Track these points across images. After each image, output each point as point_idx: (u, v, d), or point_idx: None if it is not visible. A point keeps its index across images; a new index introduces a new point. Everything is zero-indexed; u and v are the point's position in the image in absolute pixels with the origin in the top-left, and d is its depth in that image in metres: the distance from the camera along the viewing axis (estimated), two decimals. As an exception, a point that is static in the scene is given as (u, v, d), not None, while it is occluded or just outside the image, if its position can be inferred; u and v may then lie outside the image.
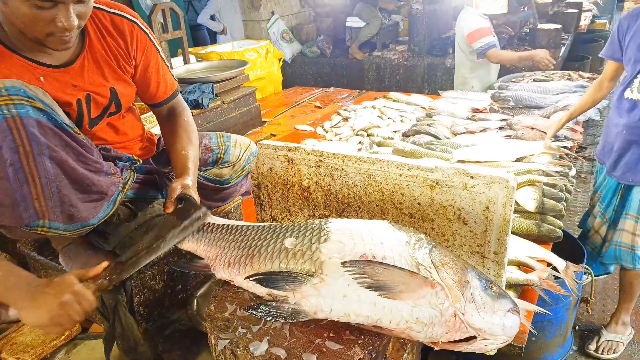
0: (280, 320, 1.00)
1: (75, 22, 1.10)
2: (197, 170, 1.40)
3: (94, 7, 1.24)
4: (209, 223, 1.25)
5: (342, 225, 1.07)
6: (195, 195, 1.28)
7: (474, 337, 0.90)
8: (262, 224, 1.24)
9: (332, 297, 0.95)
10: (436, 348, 0.96)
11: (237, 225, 1.22)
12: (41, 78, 1.20)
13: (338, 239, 1.02)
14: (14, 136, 1.05)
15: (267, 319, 1.02)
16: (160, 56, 1.47)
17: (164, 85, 1.49)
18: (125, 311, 1.33)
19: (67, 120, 1.16)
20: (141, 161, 1.45)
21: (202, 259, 1.20)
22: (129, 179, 1.33)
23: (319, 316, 0.98)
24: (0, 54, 1.14)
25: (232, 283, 1.13)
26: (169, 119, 1.53)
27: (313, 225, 1.09)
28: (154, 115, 1.60)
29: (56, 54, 1.23)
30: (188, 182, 1.30)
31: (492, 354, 1.07)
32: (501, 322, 0.90)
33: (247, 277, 1.06)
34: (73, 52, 1.27)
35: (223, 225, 1.23)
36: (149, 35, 1.42)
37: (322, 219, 1.12)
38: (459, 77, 4.01)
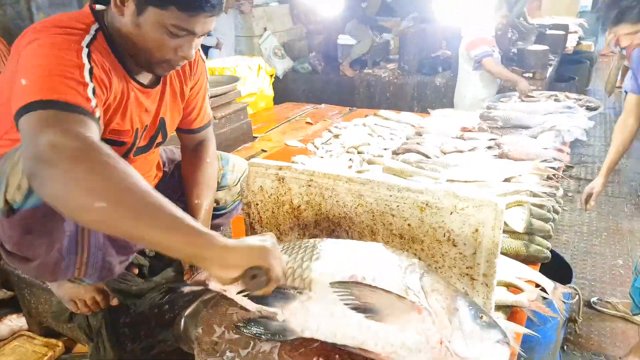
0: (267, 337, 1.00)
1: (193, 53, 1.16)
2: (208, 217, 1.44)
3: None
4: None
5: (335, 245, 1.07)
6: None
7: None
8: None
9: (320, 315, 0.96)
10: None
11: None
12: (132, 94, 1.22)
13: (329, 258, 1.02)
14: None
15: (255, 335, 1.01)
16: (207, 85, 1.51)
17: (203, 113, 1.52)
18: (108, 335, 1.32)
19: None
20: None
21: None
22: None
23: (306, 335, 0.97)
24: (111, 58, 1.15)
25: (224, 293, 1.13)
26: (193, 153, 1.54)
27: (307, 244, 1.09)
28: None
29: (145, 74, 1.26)
30: None
31: None
32: (489, 353, 0.89)
33: (239, 292, 1.07)
34: (155, 77, 1.31)
35: None
36: (205, 62, 1.49)
37: (316, 239, 1.12)
38: (457, 91, 4.15)
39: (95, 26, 1.13)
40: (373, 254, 1.03)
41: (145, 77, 1.27)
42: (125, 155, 1.31)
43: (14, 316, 1.79)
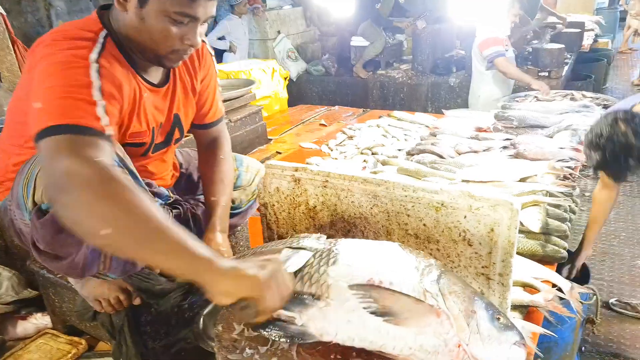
0: (287, 340, 1.01)
1: (199, 40, 1.18)
2: (226, 213, 1.44)
3: None
4: None
5: (350, 246, 1.08)
6: (221, 246, 1.34)
7: None
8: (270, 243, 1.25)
9: (338, 321, 0.96)
10: None
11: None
12: (144, 95, 1.26)
13: (346, 262, 1.02)
14: None
15: (275, 338, 1.02)
16: (217, 79, 1.53)
17: (215, 107, 1.54)
18: (130, 333, 1.35)
19: (142, 182, 1.21)
20: (172, 196, 1.47)
21: None
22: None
23: (324, 339, 0.98)
24: (122, 64, 1.18)
25: None
26: (208, 149, 1.56)
27: (323, 247, 1.09)
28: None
29: (153, 73, 1.29)
30: (216, 239, 1.35)
31: None
32: (505, 355, 0.90)
33: None
34: (164, 72, 1.33)
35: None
36: (213, 56, 1.50)
37: (331, 239, 1.13)
38: (471, 91, 4.14)
39: (103, 33, 1.14)
40: (389, 256, 1.03)
41: (155, 77, 1.30)
42: (144, 154, 1.35)
43: (39, 315, 1.84)
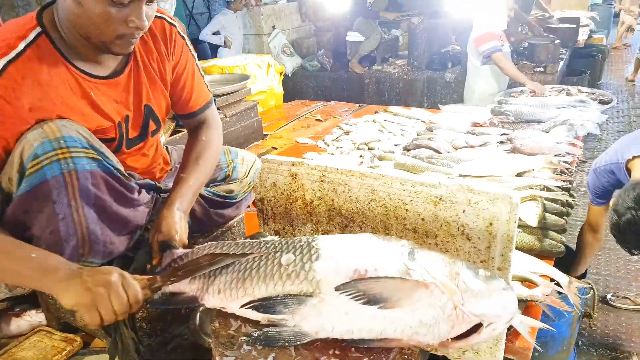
0: (282, 344, 0.98)
1: (146, 23, 1.09)
2: (190, 193, 1.35)
3: None
4: (186, 254, 1.20)
5: (329, 241, 1.06)
6: (176, 224, 1.25)
7: (480, 325, 0.91)
8: (243, 241, 1.21)
9: (333, 315, 0.95)
10: (450, 350, 0.96)
11: (218, 250, 1.17)
12: (92, 93, 1.18)
13: (330, 256, 1.01)
14: (68, 191, 1.07)
15: (270, 345, 1.00)
16: (196, 64, 1.44)
17: (197, 94, 1.45)
18: (126, 330, 1.33)
19: (115, 163, 1.18)
20: (161, 187, 1.44)
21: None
22: (154, 204, 1.36)
23: (320, 336, 0.97)
24: (55, 64, 1.11)
25: (224, 311, 1.10)
26: (193, 133, 1.49)
27: (301, 243, 1.07)
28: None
29: (106, 65, 1.21)
30: (172, 216, 1.26)
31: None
32: (500, 302, 0.92)
33: (243, 306, 1.04)
34: (120, 63, 1.25)
35: (203, 253, 1.18)
36: (186, 40, 1.40)
37: (308, 236, 1.10)
38: (467, 86, 4.13)
39: (35, 31, 1.08)
40: (367, 245, 1.03)
41: (105, 69, 1.21)
42: (117, 150, 1.28)
43: (33, 312, 1.81)
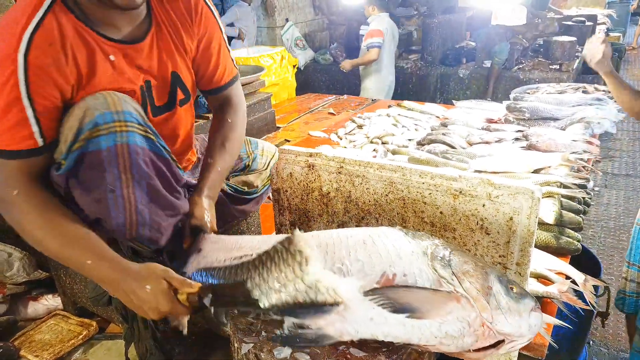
0: (304, 344, 0.97)
1: None
2: (218, 179, 1.35)
3: None
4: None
5: (350, 238, 1.02)
6: (207, 211, 1.28)
7: (502, 342, 0.90)
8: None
9: (358, 321, 0.93)
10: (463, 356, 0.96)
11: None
12: (111, 56, 1.16)
13: (353, 259, 0.97)
14: (119, 163, 1.07)
15: (293, 346, 0.99)
16: (224, 37, 1.40)
17: (222, 68, 1.41)
18: (143, 319, 1.33)
19: (166, 147, 1.17)
20: (191, 181, 1.41)
21: None
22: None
23: (344, 339, 0.95)
24: (74, 27, 1.10)
25: None
26: (217, 113, 1.46)
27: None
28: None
29: (122, 29, 1.18)
30: (202, 203, 1.28)
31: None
32: (527, 323, 0.91)
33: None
34: (140, 28, 1.22)
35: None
36: (214, 11, 1.36)
37: (325, 232, 1.07)
38: None
39: None
40: (395, 244, 0.99)
41: (122, 33, 1.18)
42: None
43: (50, 296, 1.84)
